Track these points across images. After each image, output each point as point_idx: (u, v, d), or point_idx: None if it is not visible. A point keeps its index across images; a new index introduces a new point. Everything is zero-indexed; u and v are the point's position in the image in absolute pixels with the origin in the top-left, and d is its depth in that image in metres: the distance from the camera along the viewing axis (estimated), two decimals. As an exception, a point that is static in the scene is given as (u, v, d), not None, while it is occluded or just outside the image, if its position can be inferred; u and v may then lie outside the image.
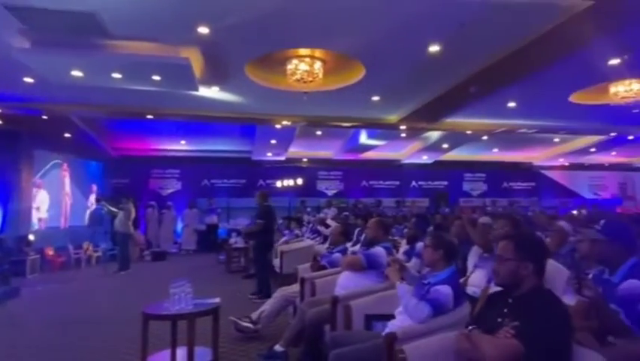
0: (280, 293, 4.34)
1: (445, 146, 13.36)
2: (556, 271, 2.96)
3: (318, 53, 6.02)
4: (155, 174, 14.43)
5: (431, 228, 6.72)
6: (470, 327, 1.80)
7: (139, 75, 6.31)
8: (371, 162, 15.24)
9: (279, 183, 14.95)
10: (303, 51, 5.95)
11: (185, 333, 3.09)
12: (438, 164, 15.54)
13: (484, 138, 12.26)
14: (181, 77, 6.30)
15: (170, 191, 14.51)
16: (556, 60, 5.88)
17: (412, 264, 4.03)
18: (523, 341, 1.53)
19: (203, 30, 5.06)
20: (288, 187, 14.99)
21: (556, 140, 13.33)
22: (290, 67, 6.16)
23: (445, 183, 16.57)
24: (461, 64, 6.20)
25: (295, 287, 4.25)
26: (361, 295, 3.11)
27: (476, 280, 3.40)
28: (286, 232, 8.87)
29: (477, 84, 6.86)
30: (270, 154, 13.77)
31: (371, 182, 16.26)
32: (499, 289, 1.92)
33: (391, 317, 2.67)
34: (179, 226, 13.43)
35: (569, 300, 2.46)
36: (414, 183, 16.46)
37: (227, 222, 13.87)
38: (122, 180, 13.52)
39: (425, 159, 15.16)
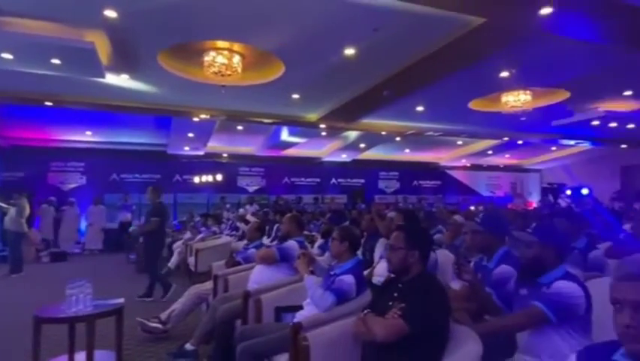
0: (193, 291, 4.24)
1: (362, 145, 13.99)
2: (448, 260, 3.33)
3: (236, 46, 5.95)
4: (54, 167, 13.03)
5: (347, 222, 7.06)
6: (365, 311, 1.96)
7: (35, 58, 5.70)
8: (292, 159, 15.39)
9: (196, 179, 14.42)
10: (221, 44, 5.84)
11: (86, 337, 2.89)
12: (356, 162, 16.20)
13: (398, 139, 13.06)
14: (85, 62, 5.82)
15: (72, 186, 13.21)
16: (457, 69, 6.47)
17: (325, 257, 4.19)
18: (408, 320, 1.71)
19: (111, 13, 4.72)
20: (207, 183, 14.53)
21: (460, 142, 14.64)
22: (207, 59, 6.01)
23: (362, 180, 17.31)
24: (375, 68, 6.55)
25: (208, 285, 4.19)
26: (272, 288, 3.18)
27: (381, 270, 3.65)
28: (203, 229, 8.62)
29: (389, 88, 7.30)
30: (187, 148, 13.21)
31: (292, 179, 16.41)
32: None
33: (300, 308, 2.78)
34: (84, 224, 12.32)
35: (455, 285, 2.79)
36: (333, 180, 16.95)
37: (139, 220, 13.04)
38: (14, 174, 12.02)
39: (344, 157, 15.72)
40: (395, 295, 1.90)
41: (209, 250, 6.36)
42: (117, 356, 3.28)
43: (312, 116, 9.77)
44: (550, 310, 1.79)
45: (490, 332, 1.90)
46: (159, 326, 4.03)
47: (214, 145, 13.35)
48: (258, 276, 3.56)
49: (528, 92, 7.84)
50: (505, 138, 13.05)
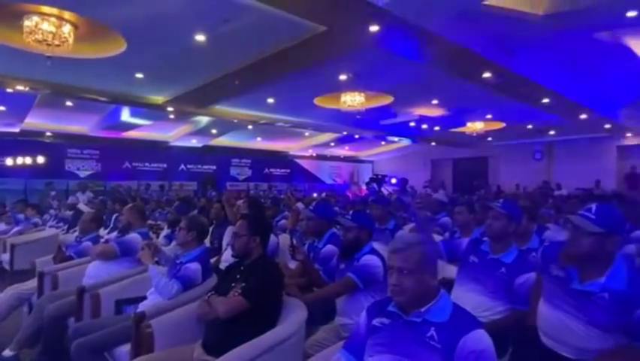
0: (10, 292, 3.70)
1: (214, 131, 13.78)
2: (287, 244, 3.72)
3: (68, 15, 5.26)
4: None
5: (195, 211, 6.98)
6: (209, 294, 2.15)
7: None
8: (135, 142, 14.16)
9: (9, 161, 12.07)
10: (47, 9, 5.08)
11: None
12: (207, 148, 15.84)
13: (250, 127, 13.29)
14: None
15: None
16: (303, 68, 7.01)
17: (172, 247, 4.16)
18: (247, 297, 1.97)
19: None
20: (24, 165, 12.29)
21: (307, 134, 15.70)
22: (28, 24, 5.16)
23: (214, 167, 17.05)
24: (226, 57, 6.61)
25: (30, 283, 3.72)
26: (112, 281, 3.07)
27: (228, 256, 3.83)
28: (21, 219, 7.35)
29: (241, 78, 7.44)
30: (-5, 123, 10.94)
31: (135, 163, 15.12)
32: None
33: (143, 299, 2.78)
34: None
35: (292, 265, 3.19)
36: (182, 166, 16.25)
37: None
38: None
39: (194, 142, 15.20)
40: (238, 277, 2.14)
41: (29, 244, 5.52)
42: None
43: (159, 98, 9.22)
44: (359, 278, 2.28)
45: (315, 301, 2.32)
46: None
47: (34, 122, 11.35)
48: (95, 271, 3.35)
49: (362, 94, 8.96)
50: (345, 132, 14.56)
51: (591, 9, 5.23)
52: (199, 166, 16.65)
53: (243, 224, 2.23)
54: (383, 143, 17.90)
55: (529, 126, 12.99)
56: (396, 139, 16.19)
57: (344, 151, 19.83)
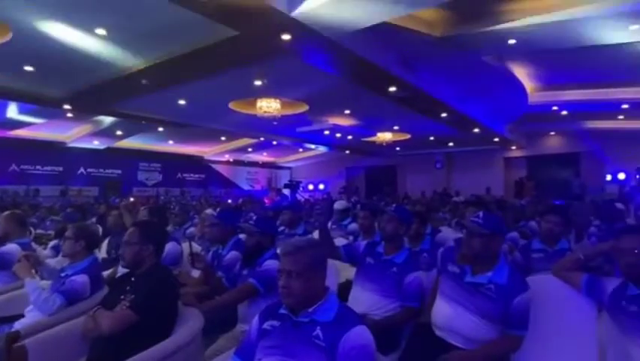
0: None
1: (120, 133, 12.78)
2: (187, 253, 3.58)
3: None
4: None
5: (94, 219, 6.41)
6: (96, 308, 2.00)
7: None
8: (24, 142, 12.57)
9: None
10: None
11: None
12: (111, 150, 14.60)
13: (160, 129, 12.56)
14: None
15: None
16: (216, 70, 6.85)
17: (60, 259, 3.77)
18: (136, 309, 1.86)
19: None
20: None
21: (223, 138, 15.29)
22: None
23: (119, 171, 15.80)
24: (129, 54, 6.22)
25: None
26: (-19, 299, 2.69)
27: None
28: None
29: (149, 78, 7.03)
30: None
31: (23, 166, 13.42)
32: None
33: (21, 316, 2.49)
34: None
35: (195, 273, 3.09)
36: (82, 169, 14.81)
37: None
38: None
39: (97, 144, 13.94)
40: (128, 288, 2.01)
41: None
42: None
43: (54, 93, 8.32)
44: (260, 283, 2.29)
45: (213, 309, 2.27)
46: None
47: None
48: (-39, 288, 2.92)
49: (278, 100, 9.02)
50: (262, 138, 14.48)
51: (479, 34, 5.90)
52: (101, 170, 15.30)
53: (134, 232, 2.11)
54: (301, 150, 18.15)
55: (432, 138, 14.14)
56: (312, 146, 16.53)
57: (262, 157, 19.71)
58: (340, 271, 3.15)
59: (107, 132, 12.55)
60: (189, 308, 2.14)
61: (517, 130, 13.54)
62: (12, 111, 10.07)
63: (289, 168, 22.01)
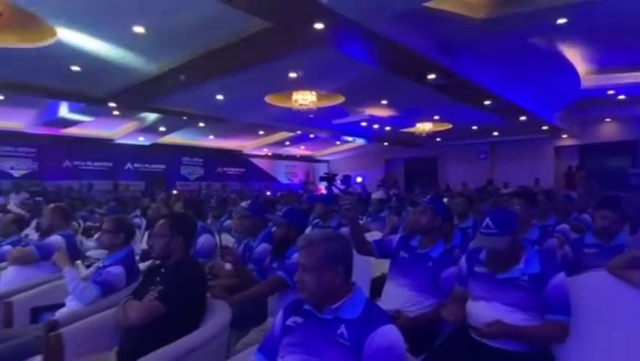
0: None
1: (163, 129, 13.23)
2: (229, 244, 3.61)
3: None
4: None
5: (138, 211, 6.66)
6: (126, 298, 2.02)
7: None
8: (76, 140, 13.32)
9: None
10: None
11: None
12: (156, 146, 15.16)
13: (201, 124, 12.88)
14: None
15: None
16: (251, 64, 6.84)
17: (102, 250, 3.92)
18: (164, 301, 1.86)
19: None
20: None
21: (261, 132, 15.45)
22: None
23: (163, 166, 16.39)
24: (167, 50, 6.34)
25: None
26: (28, 288, 2.83)
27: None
28: None
29: (185, 73, 7.17)
30: None
31: (76, 162, 14.23)
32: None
33: (62, 305, 2.58)
34: None
35: (228, 266, 3.09)
36: (129, 165, 15.50)
37: None
38: None
39: (142, 140, 14.52)
40: (157, 279, 2.02)
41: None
42: None
43: (100, 92, 8.69)
44: (289, 276, 2.23)
45: (242, 301, 2.24)
46: None
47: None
48: (11, 277, 3.09)
49: (314, 93, 8.94)
50: (299, 132, 14.49)
51: (526, 14, 5.51)
52: (147, 165, 15.95)
53: (164, 224, 2.11)
54: (338, 142, 18.01)
55: (474, 127, 13.55)
56: (350, 139, 16.34)
57: (300, 150, 19.76)
58: (375, 265, 3.05)
59: (151, 129, 13.02)
60: (218, 301, 2.12)
61: (568, 117, 12.67)
62: (63, 110, 10.68)
63: (327, 161, 21.95)
